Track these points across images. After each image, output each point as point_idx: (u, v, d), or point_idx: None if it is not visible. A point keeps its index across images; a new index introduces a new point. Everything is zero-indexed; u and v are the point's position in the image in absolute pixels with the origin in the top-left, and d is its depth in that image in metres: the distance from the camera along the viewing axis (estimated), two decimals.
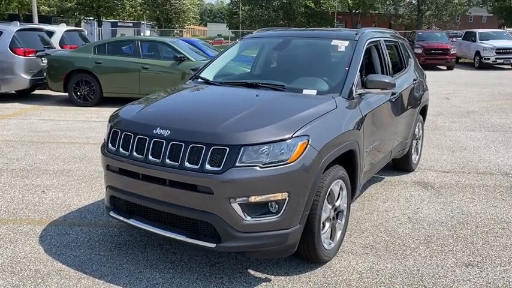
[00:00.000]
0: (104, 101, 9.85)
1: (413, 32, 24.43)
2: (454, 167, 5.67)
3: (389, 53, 4.58)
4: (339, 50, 3.98)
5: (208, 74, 4.27)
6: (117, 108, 3.61)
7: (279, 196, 2.76)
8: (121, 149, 3.09)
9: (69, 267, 3.17)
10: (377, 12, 54.46)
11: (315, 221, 2.97)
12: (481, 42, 20.68)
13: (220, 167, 2.71)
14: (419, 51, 20.23)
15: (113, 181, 3.20)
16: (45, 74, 10.01)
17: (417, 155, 5.59)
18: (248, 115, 3.06)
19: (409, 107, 4.85)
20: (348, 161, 3.38)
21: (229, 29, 59.63)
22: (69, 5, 43.74)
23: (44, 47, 10.66)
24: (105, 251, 3.42)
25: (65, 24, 17.52)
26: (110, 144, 3.22)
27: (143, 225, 3.06)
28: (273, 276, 3.08)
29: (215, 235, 2.79)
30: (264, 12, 54.61)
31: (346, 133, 3.28)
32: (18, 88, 10.26)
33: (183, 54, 9.48)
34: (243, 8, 58.08)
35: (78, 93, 9.81)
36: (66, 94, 9.96)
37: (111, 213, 3.27)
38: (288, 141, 2.79)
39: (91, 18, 46.40)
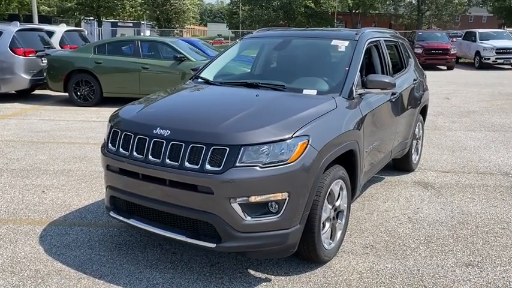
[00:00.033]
0: (104, 101, 9.85)
1: (414, 32, 24.43)
2: (454, 167, 5.67)
3: (389, 53, 4.58)
4: (339, 50, 3.98)
5: (208, 74, 4.27)
6: (117, 108, 3.61)
7: (279, 196, 2.76)
8: (121, 149, 3.09)
9: (69, 267, 3.17)
10: (377, 12, 54.47)
11: (315, 221, 2.97)
12: (481, 42, 20.67)
13: (220, 167, 2.71)
14: (419, 51, 20.24)
15: (113, 181, 3.20)
16: (45, 74, 10.01)
17: (417, 155, 5.59)
18: (248, 115, 3.06)
19: (409, 107, 4.85)
20: (348, 161, 3.38)
21: (229, 29, 59.64)
22: (69, 5, 43.73)
23: (44, 47, 10.66)
24: (105, 251, 3.42)
25: (65, 24, 17.52)
26: (110, 144, 3.22)
27: (143, 225, 3.06)
28: (273, 276, 3.08)
29: (215, 235, 2.79)
30: (264, 12, 54.61)
31: (346, 133, 3.28)
32: (18, 88, 10.26)
33: (183, 54, 9.48)
34: (243, 8, 58.09)
35: (78, 93, 9.82)
36: (66, 94, 9.96)
37: (111, 213, 3.27)
38: (288, 141, 2.79)
39: (91, 18, 46.39)
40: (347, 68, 3.71)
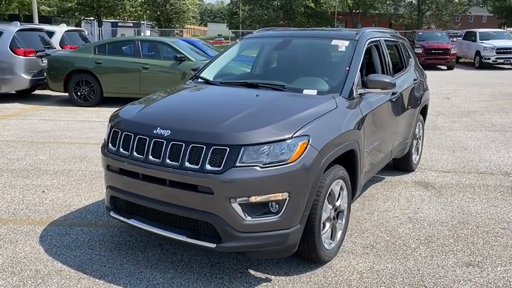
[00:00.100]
0: (104, 101, 9.85)
1: (414, 32, 24.42)
2: (454, 166, 5.67)
3: (389, 53, 4.57)
4: (339, 49, 3.98)
5: (208, 74, 4.27)
6: (117, 108, 3.61)
7: (279, 196, 2.75)
8: (121, 149, 3.09)
9: (70, 268, 3.17)
10: (377, 12, 54.45)
11: (316, 221, 2.97)
12: (482, 42, 20.67)
13: (220, 167, 2.71)
14: (419, 51, 20.23)
15: (113, 181, 3.20)
16: (45, 74, 10.01)
17: (417, 155, 5.59)
18: (248, 115, 3.06)
19: (409, 107, 4.84)
20: (348, 161, 3.37)
21: (229, 29, 59.59)
22: (70, 5, 43.73)
23: (44, 47, 10.66)
24: (106, 251, 3.41)
25: (65, 25, 17.53)
26: (110, 144, 3.22)
27: (143, 225, 3.06)
28: (273, 276, 3.08)
29: (215, 235, 2.79)
30: (264, 12, 54.59)
31: (347, 133, 3.28)
32: (19, 88, 10.26)
33: (183, 54, 9.48)
34: (243, 8, 58.05)
35: (79, 93, 9.82)
36: (67, 94, 9.96)
37: (112, 214, 3.27)
38: (288, 141, 2.79)
39: (91, 18, 46.39)
40: (347, 68, 3.70)
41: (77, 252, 3.38)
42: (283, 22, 55.06)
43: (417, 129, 5.31)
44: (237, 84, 3.95)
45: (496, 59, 19.88)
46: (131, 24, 50.80)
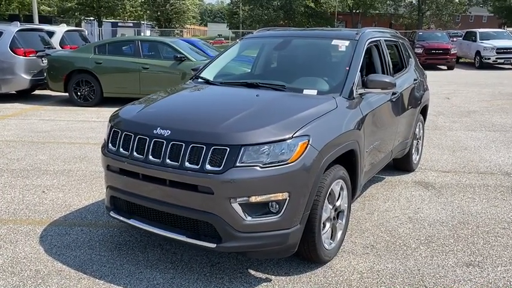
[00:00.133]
0: (104, 101, 9.85)
1: (414, 32, 24.43)
2: (454, 166, 5.67)
3: (389, 53, 4.57)
4: (340, 49, 3.98)
5: (208, 74, 4.27)
6: (117, 108, 3.61)
7: (279, 196, 2.75)
8: (121, 149, 3.09)
9: (70, 268, 3.17)
10: (377, 12, 54.44)
11: (316, 221, 2.97)
12: (482, 42, 20.67)
13: (220, 167, 2.71)
14: (419, 51, 20.24)
15: (113, 181, 3.20)
16: (45, 74, 10.01)
17: (418, 154, 5.59)
18: (248, 115, 3.05)
19: (409, 107, 4.84)
20: (348, 161, 3.37)
21: (229, 29, 59.58)
22: (70, 5, 43.72)
23: (44, 47, 10.66)
24: (106, 251, 3.41)
25: (65, 25, 17.54)
26: (110, 144, 3.22)
27: (143, 225, 3.06)
28: (273, 276, 3.08)
29: (215, 235, 2.79)
30: (264, 12, 54.56)
31: (347, 133, 3.28)
32: (19, 88, 10.26)
33: (183, 54, 9.48)
34: (243, 8, 58.03)
35: (79, 94, 9.82)
36: (67, 94, 9.96)
37: (112, 214, 3.27)
38: (288, 141, 2.79)
39: (91, 18, 46.39)
40: (347, 68, 3.70)
41: (77, 252, 3.38)
42: (283, 22, 55.05)
43: (417, 129, 5.31)
44: (237, 84, 3.95)
45: (496, 59, 19.88)
46: (131, 24, 50.79)
